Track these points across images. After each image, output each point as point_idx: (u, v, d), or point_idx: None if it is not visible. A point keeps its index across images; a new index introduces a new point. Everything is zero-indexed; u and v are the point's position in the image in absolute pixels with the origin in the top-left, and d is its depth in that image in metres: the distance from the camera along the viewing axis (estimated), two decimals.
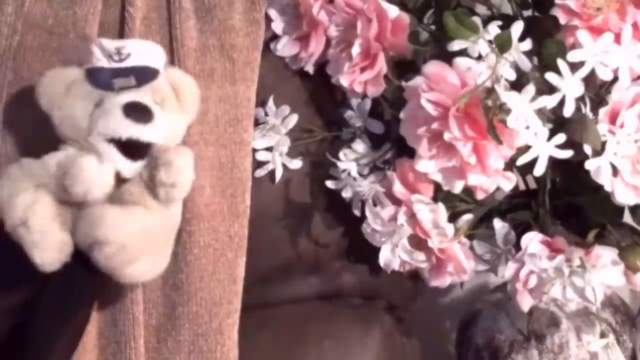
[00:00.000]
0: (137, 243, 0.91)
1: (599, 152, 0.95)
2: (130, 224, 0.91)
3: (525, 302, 0.99)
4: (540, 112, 0.94)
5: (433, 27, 1.05)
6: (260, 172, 1.04)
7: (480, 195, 0.98)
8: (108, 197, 0.92)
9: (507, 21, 0.99)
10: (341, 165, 1.04)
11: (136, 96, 0.93)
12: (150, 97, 0.94)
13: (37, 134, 0.97)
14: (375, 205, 1.01)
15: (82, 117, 0.94)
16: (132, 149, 0.92)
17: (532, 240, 0.98)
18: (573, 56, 0.95)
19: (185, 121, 0.98)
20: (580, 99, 0.95)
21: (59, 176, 0.92)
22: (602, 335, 1.02)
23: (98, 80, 0.94)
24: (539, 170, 0.94)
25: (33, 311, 0.92)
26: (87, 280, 0.93)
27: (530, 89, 0.93)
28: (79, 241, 0.91)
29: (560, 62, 0.94)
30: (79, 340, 0.95)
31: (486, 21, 1.00)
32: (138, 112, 0.92)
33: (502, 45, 0.96)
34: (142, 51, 0.96)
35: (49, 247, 0.91)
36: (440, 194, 1.00)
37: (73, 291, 0.93)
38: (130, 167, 0.93)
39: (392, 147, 1.04)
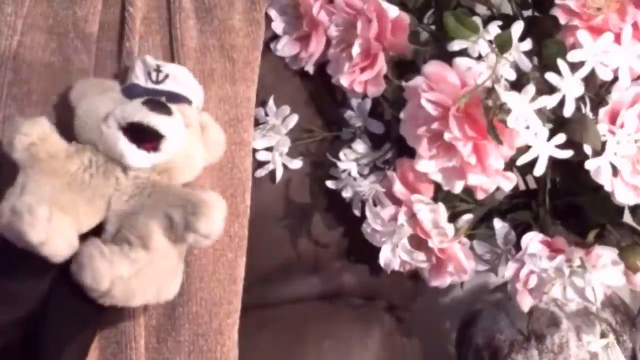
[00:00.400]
0: (129, 287, 0.90)
1: (599, 152, 0.95)
2: (119, 271, 0.90)
3: (525, 302, 0.99)
4: (540, 112, 0.94)
5: (433, 27, 1.05)
6: (261, 172, 1.04)
7: (480, 195, 0.98)
8: (118, 222, 0.92)
9: (507, 21, 0.99)
10: (341, 165, 1.04)
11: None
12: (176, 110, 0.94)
13: None
14: (375, 205, 1.01)
15: (103, 111, 0.94)
16: (144, 140, 0.92)
17: (532, 240, 0.98)
18: (573, 56, 0.95)
19: (205, 159, 0.97)
20: (580, 99, 0.95)
21: None
22: (602, 335, 1.02)
23: (131, 93, 0.95)
24: (539, 170, 0.95)
25: (39, 325, 0.92)
26: (92, 302, 0.92)
27: (530, 89, 0.93)
28: (75, 279, 0.91)
29: (560, 62, 0.94)
30: (87, 355, 0.95)
31: (486, 21, 1.00)
32: (157, 105, 0.92)
33: (502, 45, 0.96)
34: (181, 78, 0.96)
35: (38, 221, 0.89)
36: (440, 194, 1.00)
37: (79, 308, 0.92)
38: (138, 156, 0.92)
39: (392, 147, 1.04)
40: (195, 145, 0.96)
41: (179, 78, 0.96)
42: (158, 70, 0.95)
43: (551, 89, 0.95)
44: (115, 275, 0.90)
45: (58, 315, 0.92)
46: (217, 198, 0.93)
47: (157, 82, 0.95)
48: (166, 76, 0.95)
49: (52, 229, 0.89)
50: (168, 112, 0.92)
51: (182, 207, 0.91)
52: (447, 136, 0.94)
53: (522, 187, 1.05)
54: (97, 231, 0.93)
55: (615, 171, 0.95)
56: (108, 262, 0.90)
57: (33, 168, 0.93)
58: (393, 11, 1.01)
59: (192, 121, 0.95)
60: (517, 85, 0.95)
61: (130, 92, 0.95)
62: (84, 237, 0.92)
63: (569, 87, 0.94)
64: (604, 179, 0.95)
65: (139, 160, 0.92)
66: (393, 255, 1.00)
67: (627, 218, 1.02)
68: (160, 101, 0.93)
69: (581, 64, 0.95)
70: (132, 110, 0.92)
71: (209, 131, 0.97)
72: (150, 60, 0.96)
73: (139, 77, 0.96)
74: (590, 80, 0.96)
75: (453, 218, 1.00)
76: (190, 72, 0.99)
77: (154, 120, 0.92)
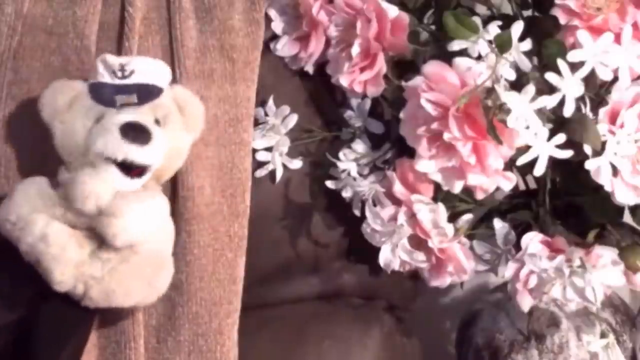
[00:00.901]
0: (104, 287, 0.91)
1: (599, 152, 0.95)
2: (91, 273, 0.91)
3: (525, 302, 0.99)
4: (540, 112, 0.94)
5: (433, 27, 1.05)
6: (261, 173, 1.04)
7: (480, 195, 0.98)
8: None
9: (507, 21, 0.99)
10: (341, 165, 1.04)
11: (136, 115, 0.93)
12: (151, 116, 0.94)
13: (37, 134, 0.97)
14: (375, 205, 1.01)
15: (81, 133, 0.94)
16: (129, 167, 0.92)
17: (532, 240, 0.98)
18: (573, 56, 0.95)
19: (190, 139, 0.98)
20: (580, 99, 0.95)
21: (64, 198, 0.92)
22: (602, 335, 1.02)
23: (100, 96, 0.94)
24: (539, 170, 0.94)
25: (31, 330, 0.92)
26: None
27: (530, 89, 0.93)
28: None
29: (560, 62, 0.94)
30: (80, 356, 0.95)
31: (486, 21, 1.00)
32: (135, 133, 0.92)
33: (502, 45, 0.96)
34: (147, 68, 0.96)
35: (68, 262, 0.91)
36: (440, 194, 1.00)
37: (73, 310, 0.93)
38: (128, 185, 0.93)
39: (392, 147, 1.04)
40: (178, 137, 0.96)
41: (144, 69, 0.96)
42: (122, 69, 0.95)
43: (551, 89, 0.95)
44: (87, 277, 0.91)
45: (50, 320, 0.92)
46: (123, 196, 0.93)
47: (124, 77, 0.95)
48: (132, 72, 0.95)
49: (73, 271, 0.91)
50: (147, 137, 0.92)
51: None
52: (446, 136, 0.94)
53: (522, 187, 1.05)
54: None
55: (615, 171, 0.95)
56: (78, 267, 0.91)
57: None
58: (393, 11, 1.01)
59: (168, 110, 0.96)
60: (517, 85, 0.95)
61: (99, 92, 0.95)
62: None
63: (569, 87, 0.94)
64: (604, 179, 0.95)
65: (129, 188, 0.93)
66: (393, 255, 1.00)
67: (627, 218, 1.02)
68: (138, 125, 0.92)
69: (581, 64, 0.95)
70: (113, 147, 0.92)
71: (187, 109, 0.97)
72: (111, 59, 0.95)
73: (103, 76, 0.95)
74: (590, 80, 0.96)
75: (453, 218, 1.00)
76: (191, 80, 0.99)
77: (137, 155, 0.92)
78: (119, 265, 0.92)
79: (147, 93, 0.95)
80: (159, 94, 0.95)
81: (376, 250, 1.01)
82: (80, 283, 0.91)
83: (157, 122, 0.95)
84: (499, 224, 1.00)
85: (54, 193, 0.93)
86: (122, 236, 0.91)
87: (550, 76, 0.94)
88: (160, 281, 0.95)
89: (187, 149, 0.98)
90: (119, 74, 0.94)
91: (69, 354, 0.93)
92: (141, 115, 0.94)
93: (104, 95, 0.94)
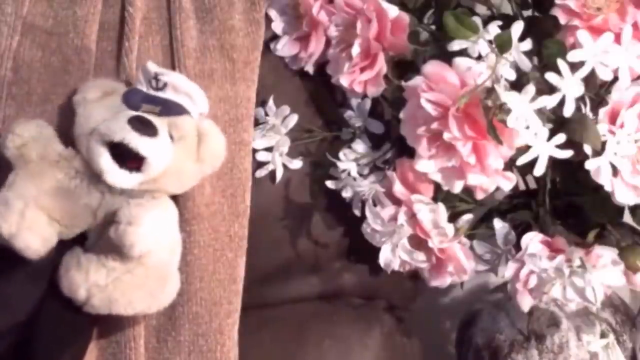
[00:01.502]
0: (107, 295, 0.91)
1: (599, 152, 0.95)
2: (96, 280, 0.91)
3: (525, 302, 0.99)
4: (540, 112, 0.94)
5: (433, 27, 1.05)
6: (261, 173, 1.04)
7: (479, 195, 0.98)
8: (97, 237, 0.93)
9: (507, 21, 0.99)
10: (341, 165, 1.04)
11: (150, 118, 0.93)
12: (165, 128, 0.93)
13: None
14: (375, 205, 1.01)
15: (95, 120, 0.93)
16: (125, 159, 0.91)
17: (532, 240, 0.98)
18: (573, 56, 0.95)
19: (199, 172, 0.96)
20: (580, 99, 0.95)
21: None
22: (602, 335, 1.02)
23: (129, 99, 0.95)
24: (539, 170, 0.94)
25: (32, 335, 0.92)
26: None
27: (530, 89, 0.93)
28: None
29: (560, 62, 0.94)
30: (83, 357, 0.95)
31: (486, 21, 1.00)
32: (142, 124, 0.91)
33: (502, 45, 0.96)
34: (181, 88, 0.95)
35: (35, 232, 0.91)
36: (440, 194, 1.00)
37: (71, 318, 0.93)
38: (117, 174, 0.91)
39: (392, 147, 1.04)
40: (186, 160, 0.95)
41: (178, 87, 0.95)
42: (156, 78, 0.95)
43: (551, 89, 0.95)
44: (92, 284, 0.91)
45: (50, 325, 0.92)
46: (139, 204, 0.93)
47: (157, 89, 0.95)
48: (165, 85, 0.95)
49: (23, 222, 0.90)
50: (153, 132, 0.91)
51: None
52: (446, 136, 0.94)
53: (522, 187, 1.05)
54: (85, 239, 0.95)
55: (615, 171, 0.95)
56: (84, 272, 0.91)
57: (22, 168, 0.94)
58: (393, 11, 1.01)
59: (186, 133, 0.94)
60: (517, 85, 0.95)
61: (131, 97, 0.95)
62: (70, 246, 0.93)
63: (569, 87, 0.94)
64: (604, 179, 0.95)
65: (119, 179, 0.92)
66: (393, 255, 1.00)
67: (627, 218, 1.02)
68: (146, 119, 0.92)
69: (581, 64, 0.95)
70: (115, 128, 0.91)
71: (207, 141, 0.96)
72: (150, 67, 0.96)
73: (142, 83, 0.96)
74: (590, 80, 0.96)
75: (453, 218, 1.00)
76: (191, 80, 0.98)
77: (135, 141, 0.90)
78: (123, 275, 0.92)
79: (170, 109, 0.94)
80: (182, 113, 0.95)
81: (376, 250, 1.01)
82: (83, 290, 0.91)
83: (170, 137, 0.94)
84: (499, 224, 1.00)
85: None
86: (140, 245, 0.90)
87: (550, 76, 0.94)
88: (164, 294, 0.94)
89: (191, 181, 0.96)
90: (154, 83, 0.94)
91: (70, 358, 0.93)
92: (157, 122, 0.93)
93: (132, 99, 0.94)
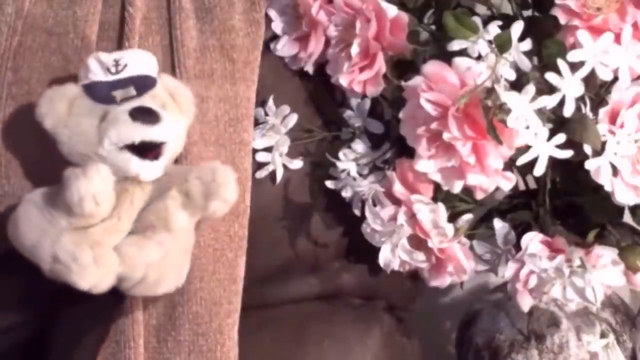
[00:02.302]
0: (159, 271, 0.91)
1: (599, 152, 0.95)
2: (150, 256, 0.91)
3: (525, 302, 0.99)
4: (540, 112, 0.94)
5: (433, 27, 1.05)
6: (261, 174, 1.04)
7: (479, 195, 0.98)
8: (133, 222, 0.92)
9: (507, 21, 0.99)
10: (341, 165, 1.04)
11: (139, 103, 0.93)
12: (151, 103, 0.94)
13: (37, 134, 0.97)
14: (375, 205, 1.01)
15: (91, 132, 0.93)
16: (146, 151, 0.92)
17: (532, 240, 0.98)
18: (573, 56, 0.95)
19: (185, 124, 0.98)
20: (580, 99, 0.95)
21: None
22: (602, 335, 1.02)
23: (97, 94, 0.94)
24: (539, 170, 0.94)
25: (51, 326, 0.92)
26: (112, 300, 0.93)
27: (530, 89, 0.93)
28: None
29: (560, 62, 0.94)
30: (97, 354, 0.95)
31: (486, 21, 1.00)
32: (145, 115, 0.92)
33: (502, 45, 0.96)
34: (138, 61, 0.95)
35: (86, 268, 0.89)
36: (440, 194, 1.00)
37: (94, 307, 0.93)
38: (151, 168, 0.92)
39: (391, 147, 1.04)
40: (178, 120, 0.96)
41: (136, 61, 0.95)
42: (117, 64, 0.94)
43: (551, 89, 0.95)
44: (147, 260, 0.90)
45: (72, 316, 0.92)
46: (224, 166, 0.95)
47: (117, 72, 0.94)
48: (125, 65, 0.94)
49: (99, 271, 0.89)
50: (157, 117, 0.92)
51: (199, 179, 0.92)
52: (446, 136, 0.94)
53: (522, 187, 1.04)
54: None
55: (615, 171, 0.95)
56: (138, 249, 0.90)
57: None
58: (392, 11, 1.01)
59: (165, 98, 0.95)
60: (517, 85, 0.95)
61: (95, 91, 0.94)
62: None
63: (569, 87, 0.94)
64: (604, 179, 0.95)
65: (151, 173, 0.93)
66: (393, 255, 1.00)
67: (627, 218, 1.02)
68: (145, 108, 0.92)
69: (581, 64, 0.95)
70: (128, 130, 0.91)
71: (178, 96, 0.97)
72: (104, 56, 0.95)
73: (96, 74, 0.94)
74: (590, 80, 0.96)
75: (453, 218, 1.00)
76: (191, 80, 0.99)
77: (152, 134, 0.91)
78: (172, 249, 0.92)
79: (142, 84, 0.94)
80: (154, 84, 0.95)
81: (376, 250, 1.01)
82: (141, 267, 0.90)
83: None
84: (499, 224, 1.00)
85: (54, 204, 0.92)
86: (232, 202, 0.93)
87: (550, 76, 0.94)
88: (184, 271, 0.94)
89: (184, 135, 0.97)
90: (113, 69, 0.94)
91: (90, 349, 0.93)
92: (143, 102, 0.93)
93: (100, 93, 0.94)
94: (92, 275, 0.88)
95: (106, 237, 0.91)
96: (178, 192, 0.92)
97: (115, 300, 0.94)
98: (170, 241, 0.91)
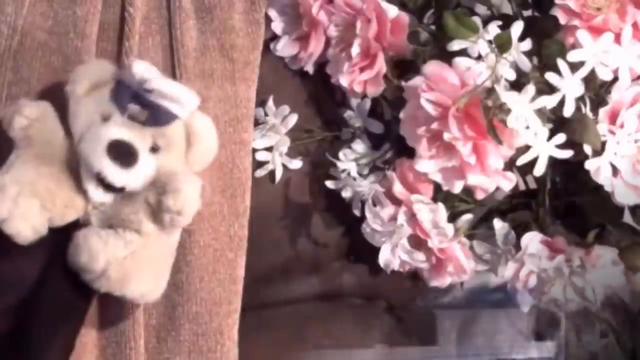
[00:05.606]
0: (122, 270, 0.91)
1: (599, 152, 0.95)
2: (113, 251, 0.91)
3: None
4: (540, 112, 0.94)
5: (433, 27, 1.05)
6: (260, 173, 1.04)
7: (479, 195, 0.98)
8: (104, 218, 0.93)
9: (507, 21, 0.99)
10: (341, 165, 1.04)
11: (133, 135, 0.92)
12: (148, 142, 0.93)
13: None
14: (375, 205, 1.01)
15: (83, 124, 0.94)
16: (104, 183, 0.92)
17: (532, 240, 0.99)
18: (573, 56, 0.95)
19: (178, 163, 0.96)
20: (580, 99, 0.95)
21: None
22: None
23: (118, 95, 0.94)
24: (539, 170, 0.95)
25: (28, 313, 0.92)
26: (83, 290, 0.93)
27: (530, 89, 0.93)
28: (70, 262, 0.92)
29: (560, 62, 0.94)
30: (74, 345, 0.95)
31: (486, 21, 1.00)
32: (121, 154, 0.92)
33: (502, 45, 0.96)
34: (167, 94, 0.93)
35: (27, 219, 0.91)
36: (440, 194, 1.00)
37: (68, 299, 0.93)
38: (100, 196, 0.93)
39: (391, 147, 1.04)
40: (174, 166, 0.95)
41: (164, 93, 0.93)
42: (141, 83, 0.93)
43: (551, 89, 0.95)
44: (110, 255, 0.91)
45: (45, 307, 0.92)
46: (188, 176, 0.93)
47: (146, 91, 0.94)
48: (152, 90, 0.93)
49: (16, 209, 0.90)
50: (132, 161, 0.92)
51: (154, 189, 0.92)
52: (446, 136, 0.94)
53: (522, 187, 1.04)
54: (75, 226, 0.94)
55: (615, 171, 0.95)
56: (103, 242, 0.91)
57: (24, 150, 0.94)
58: (392, 11, 1.01)
59: (173, 141, 0.94)
60: (517, 85, 0.95)
61: (119, 94, 0.94)
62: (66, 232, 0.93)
63: (569, 87, 0.94)
64: (604, 179, 0.95)
65: (104, 200, 0.93)
66: (393, 255, 1.00)
67: (627, 218, 1.01)
68: (125, 145, 0.92)
69: (581, 64, 0.95)
70: (94, 159, 0.91)
71: (196, 144, 0.96)
72: (137, 70, 0.94)
73: (133, 78, 0.94)
74: (590, 80, 0.96)
75: (453, 218, 1.00)
76: (191, 80, 0.98)
77: (114, 176, 0.91)
78: (140, 250, 0.92)
79: (157, 117, 0.93)
80: (170, 122, 0.94)
81: (376, 250, 1.01)
82: (103, 258, 0.91)
83: (153, 149, 0.94)
84: (499, 224, 1.00)
85: None
86: (188, 212, 0.92)
87: (550, 76, 0.94)
88: (164, 277, 0.95)
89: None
90: (147, 86, 0.93)
91: (61, 343, 0.93)
92: (139, 137, 0.93)
93: (120, 96, 0.93)
94: (5, 209, 0.90)
95: (47, 189, 0.92)
96: (143, 201, 0.93)
97: (85, 297, 0.94)
98: (139, 242, 0.92)
